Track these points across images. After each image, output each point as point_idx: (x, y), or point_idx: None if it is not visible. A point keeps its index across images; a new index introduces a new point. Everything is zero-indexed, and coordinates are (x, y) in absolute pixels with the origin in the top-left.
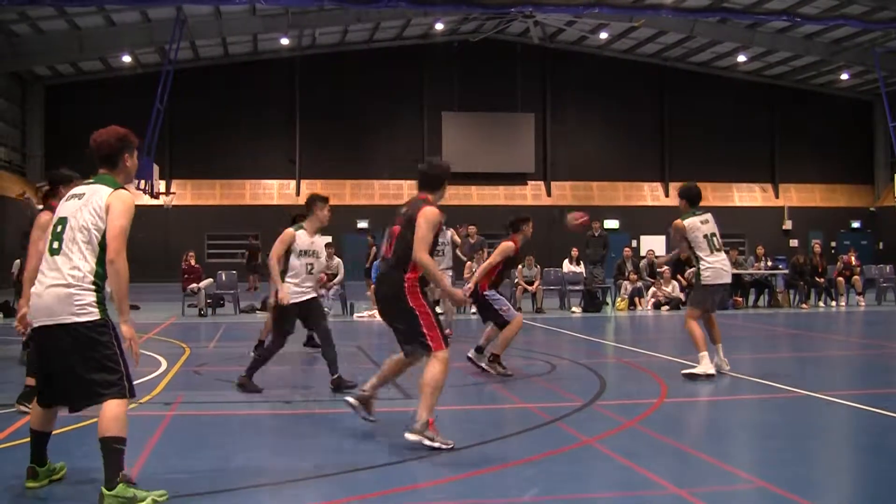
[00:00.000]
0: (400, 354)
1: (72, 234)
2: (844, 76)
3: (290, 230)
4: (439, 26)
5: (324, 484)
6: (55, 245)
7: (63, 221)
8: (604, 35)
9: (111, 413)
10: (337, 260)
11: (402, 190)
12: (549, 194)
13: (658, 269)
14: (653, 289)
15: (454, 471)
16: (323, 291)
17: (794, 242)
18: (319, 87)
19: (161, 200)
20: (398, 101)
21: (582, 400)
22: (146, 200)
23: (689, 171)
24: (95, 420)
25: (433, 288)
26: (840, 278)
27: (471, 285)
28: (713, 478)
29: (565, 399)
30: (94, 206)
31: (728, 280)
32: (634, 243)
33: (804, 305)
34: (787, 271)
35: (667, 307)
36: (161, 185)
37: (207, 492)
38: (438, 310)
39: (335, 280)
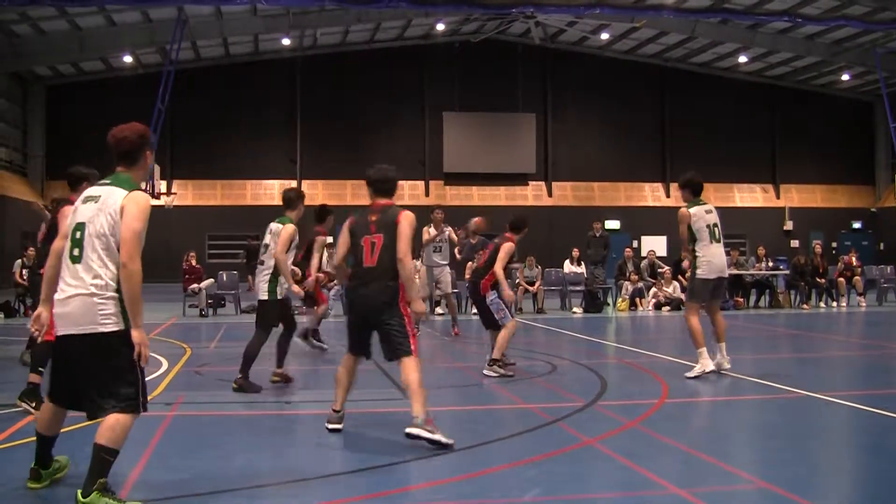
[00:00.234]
0: (348, 364)
1: (91, 241)
2: (845, 77)
3: (293, 226)
4: (440, 27)
5: (325, 484)
6: (75, 252)
7: (81, 227)
8: (605, 35)
9: (114, 423)
10: None
11: (403, 190)
12: (549, 195)
13: (659, 270)
14: (654, 289)
15: (456, 471)
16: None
17: (795, 243)
18: (320, 87)
19: (162, 200)
20: (399, 101)
21: (583, 400)
22: None
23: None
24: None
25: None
26: (841, 279)
27: (508, 291)
28: (714, 478)
29: (566, 399)
30: (110, 211)
31: (724, 274)
32: (635, 244)
33: (805, 306)
34: (788, 272)
35: (668, 308)
36: (162, 186)
37: (209, 492)
38: (439, 310)
39: (336, 280)
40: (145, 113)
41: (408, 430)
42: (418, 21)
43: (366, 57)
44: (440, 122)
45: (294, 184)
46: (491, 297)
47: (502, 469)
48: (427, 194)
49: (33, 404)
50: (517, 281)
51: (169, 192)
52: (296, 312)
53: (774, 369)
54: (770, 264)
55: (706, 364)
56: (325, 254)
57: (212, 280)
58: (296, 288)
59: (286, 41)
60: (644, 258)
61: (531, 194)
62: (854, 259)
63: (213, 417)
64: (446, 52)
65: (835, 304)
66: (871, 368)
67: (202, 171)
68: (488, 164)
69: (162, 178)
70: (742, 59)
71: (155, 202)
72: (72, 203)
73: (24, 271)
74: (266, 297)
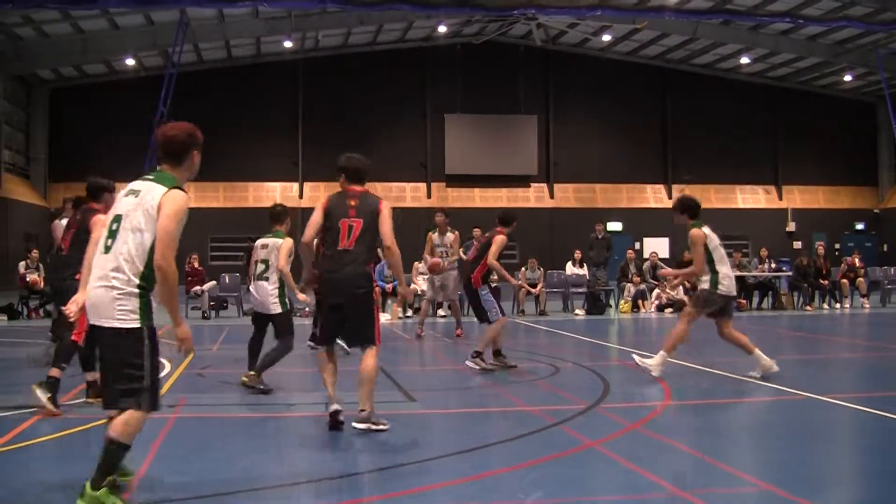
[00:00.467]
0: (325, 357)
1: (125, 234)
2: (848, 77)
3: (290, 239)
4: (442, 29)
5: (328, 487)
6: (108, 243)
7: (118, 219)
8: (607, 37)
9: (127, 418)
10: None
11: (406, 192)
12: (552, 196)
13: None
14: (656, 291)
15: (458, 474)
16: None
17: (797, 244)
18: (323, 89)
19: None
20: (401, 103)
21: (585, 403)
22: None
23: (691, 173)
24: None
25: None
26: (844, 280)
27: (512, 279)
28: (717, 480)
29: (569, 402)
30: (147, 207)
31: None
32: (637, 245)
33: (808, 307)
34: (790, 273)
35: (670, 309)
36: None
37: (211, 494)
38: (441, 312)
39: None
40: (148, 115)
41: (356, 424)
42: (420, 23)
43: (368, 59)
44: (442, 124)
45: (296, 186)
46: (483, 292)
47: (504, 472)
48: (429, 196)
49: (48, 396)
50: (520, 282)
51: None
52: (297, 315)
53: (778, 371)
54: (773, 266)
55: (662, 365)
56: None
57: (214, 282)
58: (301, 296)
59: (288, 43)
60: (646, 260)
61: (533, 196)
62: (857, 260)
63: (215, 419)
64: (448, 54)
65: (838, 305)
66: (874, 370)
67: (204, 174)
68: (490, 166)
69: None
70: (744, 60)
71: None
72: (96, 210)
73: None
74: (280, 310)
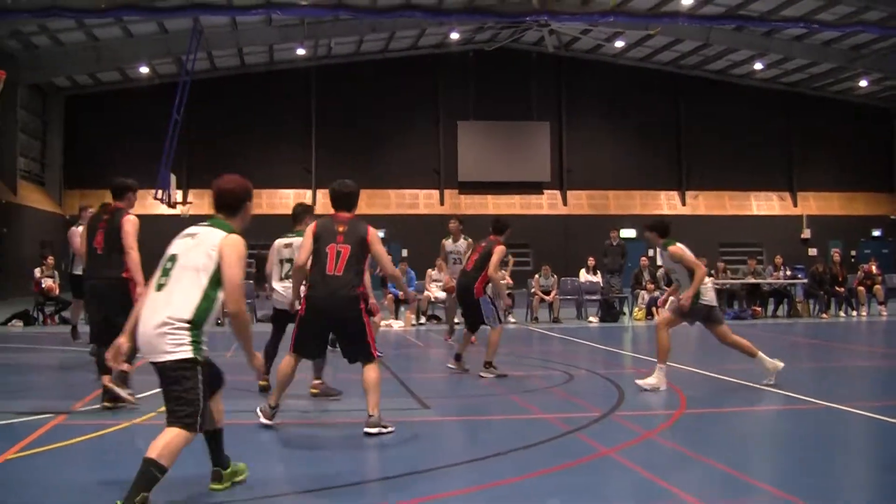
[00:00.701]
0: (291, 364)
1: (179, 273)
2: (863, 83)
3: None
4: (454, 36)
5: (342, 494)
6: (162, 281)
7: (173, 259)
8: (619, 43)
9: (168, 440)
10: None
11: (419, 199)
12: (564, 203)
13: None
14: (671, 298)
15: (472, 482)
16: None
17: (812, 251)
18: (335, 96)
19: (178, 210)
20: (414, 110)
21: (600, 410)
22: (163, 210)
23: (705, 180)
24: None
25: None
26: (861, 287)
27: (505, 295)
28: (733, 489)
29: (583, 409)
30: (207, 248)
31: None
32: (651, 252)
33: (824, 315)
34: (806, 281)
35: None
36: (178, 195)
37: (223, 501)
38: (456, 319)
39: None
40: (161, 123)
41: (367, 429)
42: (432, 30)
43: (380, 66)
44: (455, 130)
45: (309, 193)
46: (483, 300)
47: (519, 480)
48: (442, 203)
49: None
50: (532, 290)
51: (185, 202)
52: None
53: (793, 379)
54: (788, 273)
55: (661, 381)
56: None
57: None
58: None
59: (301, 51)
60: (660, 267)
61: (546, 203)
62: (874, 267)
63: (229, 426)
64: (460, 60)
65: (854, 313)
66: (891, 379)
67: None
68: (503, 172)
69: (178, 188)
70: (757, 65)
71: (171, 211)
72: (122, 209)
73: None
74: None
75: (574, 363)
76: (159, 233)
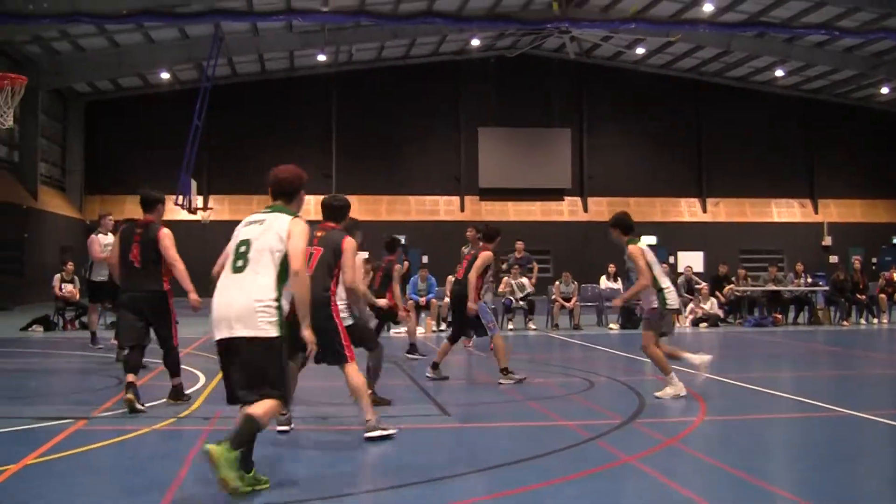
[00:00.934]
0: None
1: (257, 255)
2: (885, 90)
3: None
4: (475, 42)
5: (362, 501)
6: (239, 263)
7: (247, 243)
8: (640, 50)
9: (268, 407)
10: None
11: (439, 206)
12: (585, 210)
13: (696, 286)
14: (691, 305)
15: (493, 489)
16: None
17: (833, 259)
18: (356, 102)
19: (199, 216)
20: (434, 116)
21: (621, 417)
22: (184, 216)
23: (726, 187)
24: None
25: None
26: (882, 295)
27: (473, 304)
28: (755, 497)
29: (604, 416)
30: (277, 230)
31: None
32: (672, 259)
33: (845, 322)
34: (827, 288)
35: (705, 324)
36: (199, 201)
37: None
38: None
39: None
40: (182, 128)
41: (367, 435)
42: (453, 36)
43: (401, 72)
44: (475, 137)
45: None
46: (480, 305)
47: (540, 487)
48: (462, 210)
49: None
50: (553, 297)
51: (205, 207)
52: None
53: (814, 387)
54: (809, 280)
55: (679, 388)
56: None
57: None
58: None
59: (322, 57)
60: (681, 274)
61: (567, 209)
62: (895, 275)
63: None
64: (481, 67)
65: (875, 320)
66: None
67: (238, 187)
68: (524, 179)
69: (198, 194)
70: (778, 72)
71: (192, 217)
72: (151, 222)
73: (64, 285)
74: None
75: (594, 370)
76: (180, 238)
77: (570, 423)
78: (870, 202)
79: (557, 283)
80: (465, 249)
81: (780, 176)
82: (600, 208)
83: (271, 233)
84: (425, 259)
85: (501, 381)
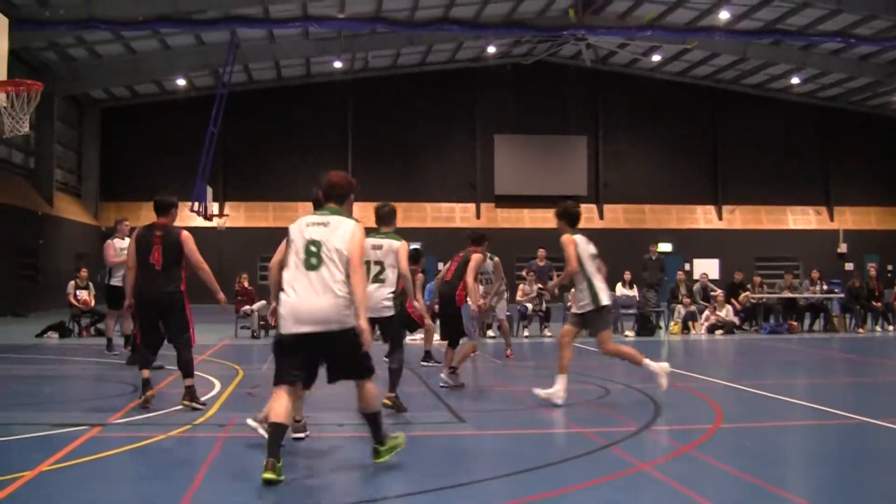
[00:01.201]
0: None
1: (329, 254)
2: None
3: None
4: (491, 49)
5: None
6: (313, 261)
7: (317, 244)
8: (656, 57)
9: (372, 393)
10: None
11: (455, 213)
12: (601, 217)
13: (712, 293)
14: (706, 312)
15: (510, 495)
16: None
17: (849, 266)
18: (372, 109)
19: (214, 222)
20: (450, 123)
21: (636, 425)
22: (200, 222)
23: (741, 194)
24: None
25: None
26: None
27: (475, 304)
28: None
29: (619, 424)
30: (342, 233)
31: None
32: (688, 266)
33: (860, 330)
34: (842, 295)
35: (721, 331)
36: (214, 208)
37: None
38: (491, 333)
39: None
40: (198, 135)
41: (249, 420)
42: (469, 43)
43: (417, 79)
44: (491, 144)
45: None
46: (465, 309)
47: (555, 494)
48: (478, 217)
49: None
50: (568, 304)
51: (221, 214)
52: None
53: (830, 394)
54: (824, 287)
55: (661, 368)
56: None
57: (264, 302)
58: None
59: (338, 64)
60: (696, 281)
61: (582, 217)
62: None
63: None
64: (497, 74)
65: (891, 327)
66: None
67: (254, 194)
68: (539, 186)
69: (214, 200)
70: (794, 80)
71: (208, 224)
72: (167, 225)
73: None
74: (393, 312)
75: (610, 377)
76: (196, 245)
77: (585, 430)
78: (885, 209)
79: (573, 290)
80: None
81: (796, 183)
82: (616, 215)
83: (338, 235)
84: (441, 266)
85: (444, 376)
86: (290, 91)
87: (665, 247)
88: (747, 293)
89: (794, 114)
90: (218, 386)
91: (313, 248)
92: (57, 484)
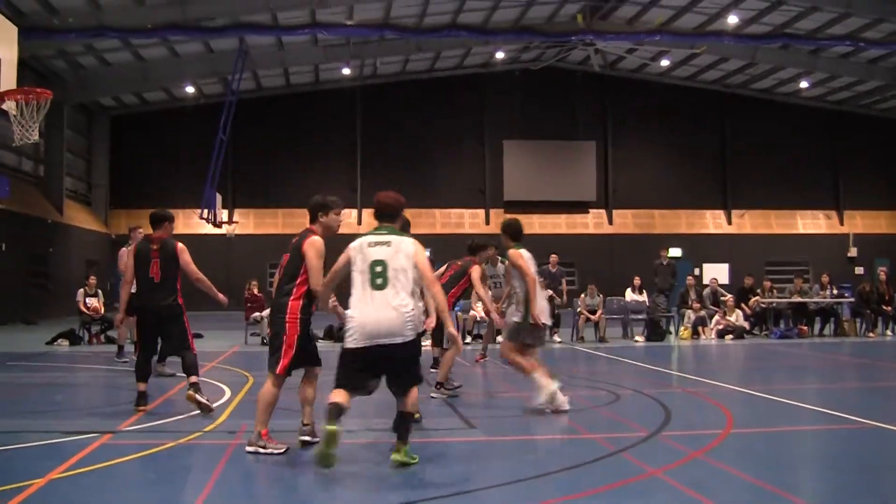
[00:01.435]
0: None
1: (395, 274)
2: None
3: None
4: (500, 55)
5: None
6: (378, 281)
7: (382, 264)
8: (665, 62)
9: (414, 397)
10: None
11: (464, 219)
12: (610, 222)
13: (722, 298)
14: (717, 317)
15: (521, 502)
16: None
17: (859, 270)
18: (380, 116)
19: (224, 229)
20: (459, 129)
21: (647, 430)
22: (209, 229)
23: (751, 198)
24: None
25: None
26: None
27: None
28: None
29: (630, 429)
30: (405, 253)
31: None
32: (697, 271)
33: (871, 334)
34: (852, 299)
35: (731, 336)
36: (224, 215)
37: None
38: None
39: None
40: (207, 142)
41: (247, 448)
42: (478, 49)
43: (426, 85)
44: (500, 149)
45: (354, 213)
46: (452, 314)
47: (566, 500)
48: (487, 223)
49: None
50: (578, 309)
51: (230, 221)
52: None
53: (841, 399)
54: (834, 292)
55: (549, 384)
56: None
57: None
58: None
59: (346, 71)
60: (706, 286)
61: (592, 222)
62: None
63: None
64: (506, 80)
65: None
66: None
67: (263, 200)
68: (549, 192)
69: (223, 207)
70: (803, 84)
71: (217, 231)
72: (162, 239)
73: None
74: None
75: (620, 383)
76: (205, 252)
77: (596, 436)
78: (895, 213)
79: (583, 295)
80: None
81: (805, 187)
82: (625, 221)
83: (402, 254)
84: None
85: (434, 394)
86: (298, 98)
87: (675, 252)
88: (757, 298)
89: (804, 118)
90: (228, 393)
91: (378, 269)
92: (67, 491)
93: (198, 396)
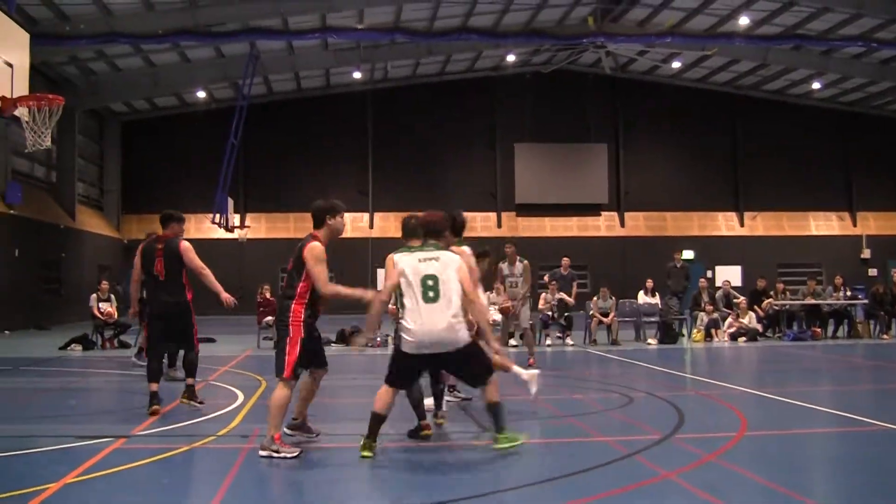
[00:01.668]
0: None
1: (445, 287)
2: None
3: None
4: (511, 58)
5: None
6: (430, 294)
7: (434, 278)
8: (676, 64)
9: (495, 387)
10: None
11: (476, 222)
12: (622, 225)
13: (734, 300)
14: (729, 320)
15: None
16: None
17: (872, 271)
18: (391, 119)
19: (236, 234)
20: (470, 132)
21: (660, 433)
22: (221, 234)
23: (763, 200)
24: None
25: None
26: None
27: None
28: None
29: (643, 432)
30: (453, 269)
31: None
32: (710, 273)
33: (885, 336)
34: (866, 301)
35: (744, 338)
36: (235, 219)
37: None
38: (513, 342)
39: None
40: (218, 147)
41: (260, 452)
42: (488, 53)
43: (437, 89)
44: (511, 153)
45: (366, 216)
46: None
47: (581, 503)
48: (499, 226)
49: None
50: (591, 312)
51: (242, 226)
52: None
53: (855, 401)
54: (848, 293)
55: (527, 374)
56: None
57: None
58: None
59: (357, 75)
60: (719, 288)
61: (604, 225)
62: None
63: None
64: (517, 83)
65: None
66: None
67: (275, 205)
68: (560, 194)
69: (235, 212)
70: (815, 85)
71: (229, 235)
72: (169, 237)
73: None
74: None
75: (633, 385)
76: (218, 256)
77: (608, 439)
78: None
79: (595, 298)
80: (502, 266)
81: (818, 189)
82: (637, 223)
83: (451, 270)
84: None
85: (447, 397)
86: (309, 102)
87: (687, 254)
88: (770, 300)
89: (816, 119)
90: (241, 397)
91: (430, 283)
92: (82, 496)
93: (192, 402)
